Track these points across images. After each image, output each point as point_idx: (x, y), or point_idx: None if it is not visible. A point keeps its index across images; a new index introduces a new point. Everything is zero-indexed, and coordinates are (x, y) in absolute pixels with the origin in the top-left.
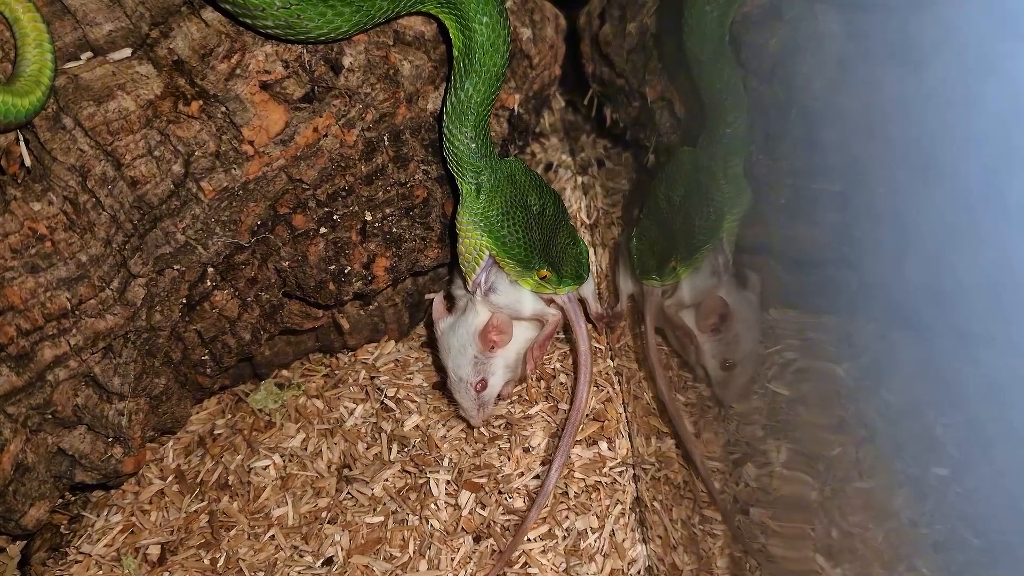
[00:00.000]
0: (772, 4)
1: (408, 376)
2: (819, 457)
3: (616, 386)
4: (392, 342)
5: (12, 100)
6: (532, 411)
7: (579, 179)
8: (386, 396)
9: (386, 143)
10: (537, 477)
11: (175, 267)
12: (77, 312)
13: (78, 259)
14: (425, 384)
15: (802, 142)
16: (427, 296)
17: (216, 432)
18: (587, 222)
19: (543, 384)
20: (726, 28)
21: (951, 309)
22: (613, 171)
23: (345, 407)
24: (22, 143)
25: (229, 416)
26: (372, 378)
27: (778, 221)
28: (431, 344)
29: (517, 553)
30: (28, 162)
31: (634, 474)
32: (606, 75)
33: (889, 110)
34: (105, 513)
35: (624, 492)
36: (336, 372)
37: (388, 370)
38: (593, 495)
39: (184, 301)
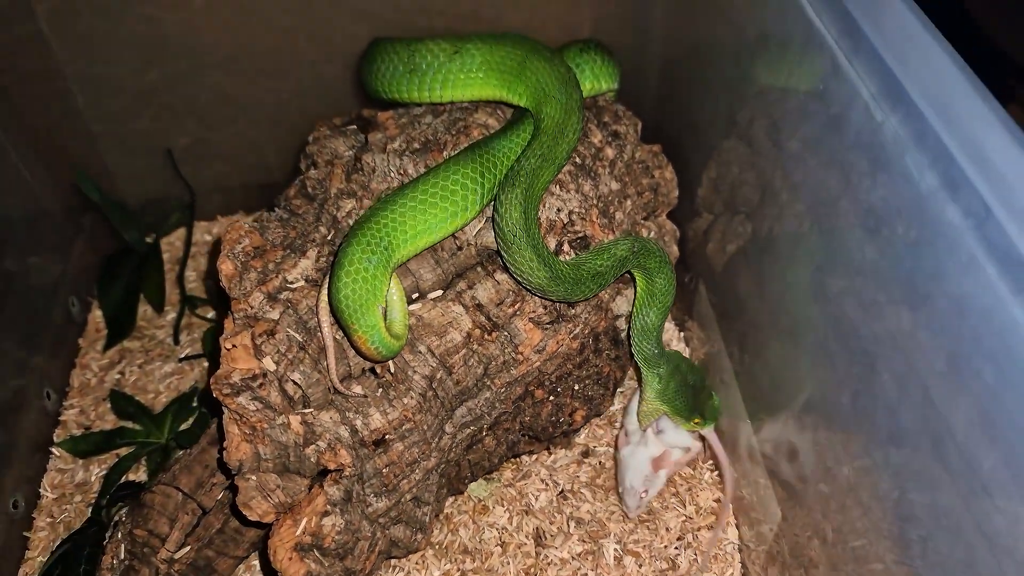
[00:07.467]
0: None
1: (577, 475)
2: None
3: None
4: (562, 450)
5: (392, 342)
6: (668, 504)
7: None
8: (564, 488)
9: (590, 342)
10: (676, 548)
11: (470, 427)
12: (419, 459)
13: (421, 430)
14: (586, 479)
15: None
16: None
17: (448, 512)
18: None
19: (673, 490)
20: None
21: None
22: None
23: (532, 494)
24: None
25: (460, 503)
26: (550, 474)
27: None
28: (585, 454)
29: None
30: (392, 369)
31: (739, 546)
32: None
33: None
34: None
35: (731, 565)
36: (522, 469)
37: (560, 469)
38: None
39: (467, 443)
